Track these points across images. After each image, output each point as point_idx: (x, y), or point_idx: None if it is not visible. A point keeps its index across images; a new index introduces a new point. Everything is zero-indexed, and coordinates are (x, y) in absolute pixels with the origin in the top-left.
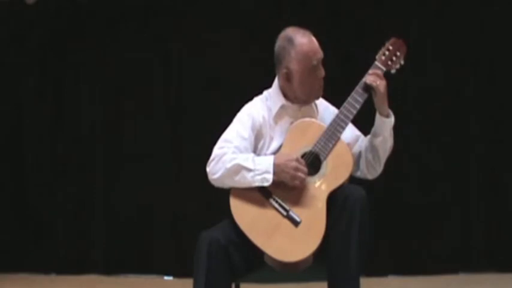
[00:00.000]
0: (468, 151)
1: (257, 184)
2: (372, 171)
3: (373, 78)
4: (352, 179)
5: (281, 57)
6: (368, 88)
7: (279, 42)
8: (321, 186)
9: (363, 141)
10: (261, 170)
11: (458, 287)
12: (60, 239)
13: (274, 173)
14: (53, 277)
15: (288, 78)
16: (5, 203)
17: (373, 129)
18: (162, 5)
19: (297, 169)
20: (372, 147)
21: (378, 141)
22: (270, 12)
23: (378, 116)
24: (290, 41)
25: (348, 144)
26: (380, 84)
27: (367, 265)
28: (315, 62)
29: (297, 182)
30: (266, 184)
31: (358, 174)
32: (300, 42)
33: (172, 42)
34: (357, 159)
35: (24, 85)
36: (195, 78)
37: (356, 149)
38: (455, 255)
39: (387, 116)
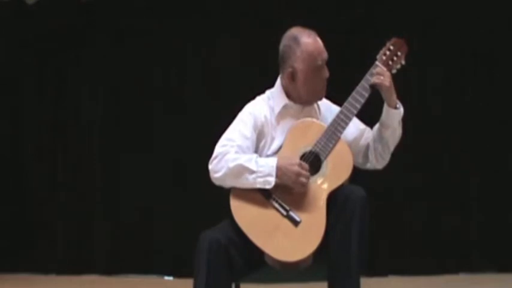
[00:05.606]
0: (468, 151)
1: (259, 186)
2: (380, 160)
3: (376, 75)
4: (352, 179)
5: (286, 56)
6: (372, 87)
7: (284, 41)
8: (321, 186)
9: (369, 133)
10: (263, 172)
11: (458, 287)
12: (60, 239)
13: (277, 176)
14: (53, 277)
15: (292, 77)
16: (5, 202)
17: (381, 120)
18: (162, 4)
19: (299, 174)
20: (381, 139)
21: (388, 132)
22: (271, 12)
23: (385, 107)
24: (296, 40)
25: (354, 140)
26: (384, 80)
27: (367, 265)
28: (319, 62)
29: (298, 187)
30: (268, 187)
31: (368, 166)
32: (306, 41)
33: (173, 42)
34: (365, 151)
35: (24, 85)
36: (196, 78)
37: (363, 142)
38: (455, 255)
39: (396, 107)
